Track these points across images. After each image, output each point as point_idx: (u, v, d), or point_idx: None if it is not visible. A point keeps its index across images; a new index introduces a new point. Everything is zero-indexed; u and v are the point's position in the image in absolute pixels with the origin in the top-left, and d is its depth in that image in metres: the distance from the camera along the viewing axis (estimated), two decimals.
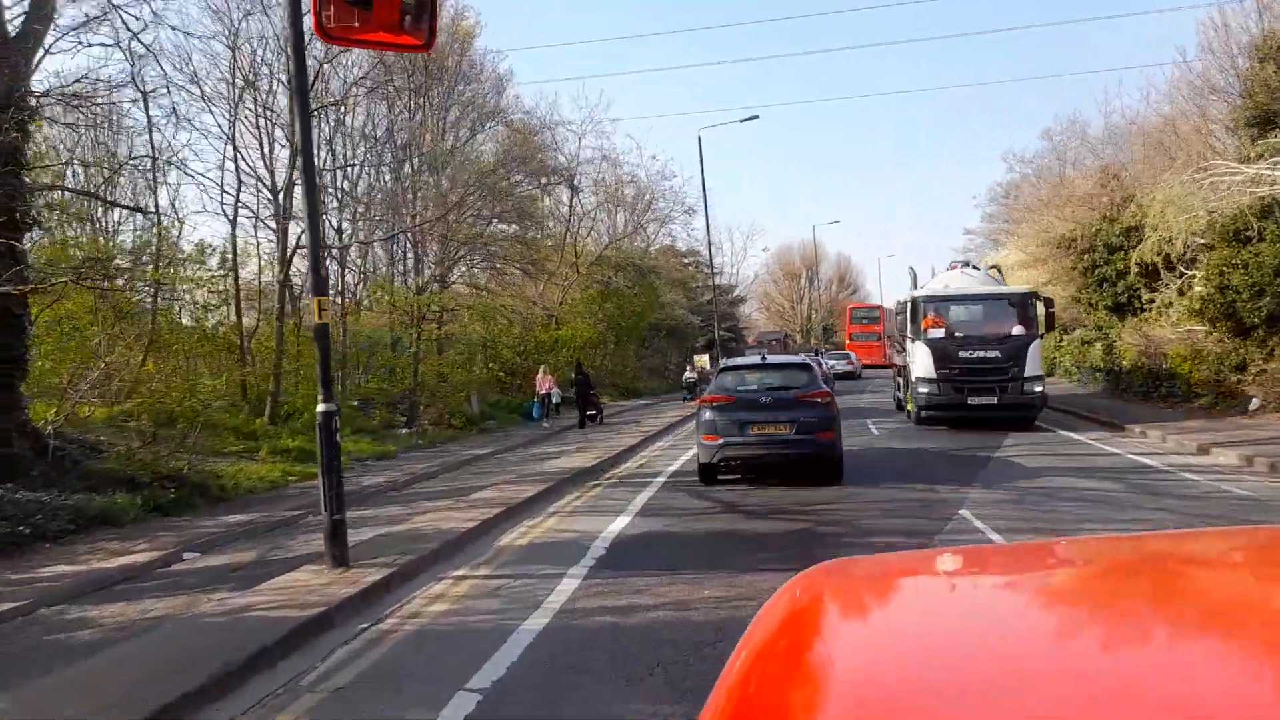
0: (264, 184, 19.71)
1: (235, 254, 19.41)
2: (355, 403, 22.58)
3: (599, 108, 62.77)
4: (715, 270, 69.17)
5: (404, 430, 21.28)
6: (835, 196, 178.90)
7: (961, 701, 1.01)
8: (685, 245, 63.32)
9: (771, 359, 14.25)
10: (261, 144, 20.07)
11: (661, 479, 12.89)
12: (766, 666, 1.26)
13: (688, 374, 32.41)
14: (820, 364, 29.37)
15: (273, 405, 18.94)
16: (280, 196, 19.01)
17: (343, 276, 22.30)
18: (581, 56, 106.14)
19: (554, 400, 29.58)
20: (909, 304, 19.49)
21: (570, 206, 35.17)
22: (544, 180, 28.37)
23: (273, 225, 19.73)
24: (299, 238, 18.45)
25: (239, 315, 19.89)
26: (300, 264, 24.03)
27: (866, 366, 49.74)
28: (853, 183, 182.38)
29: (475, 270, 27.27)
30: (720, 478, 11.94)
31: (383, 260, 26.53)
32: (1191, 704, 0.96)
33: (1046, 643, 1.25)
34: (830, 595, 1.53)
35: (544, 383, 27.15)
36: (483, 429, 23.82)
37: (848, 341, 57.48)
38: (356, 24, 2.64)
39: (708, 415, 11.71)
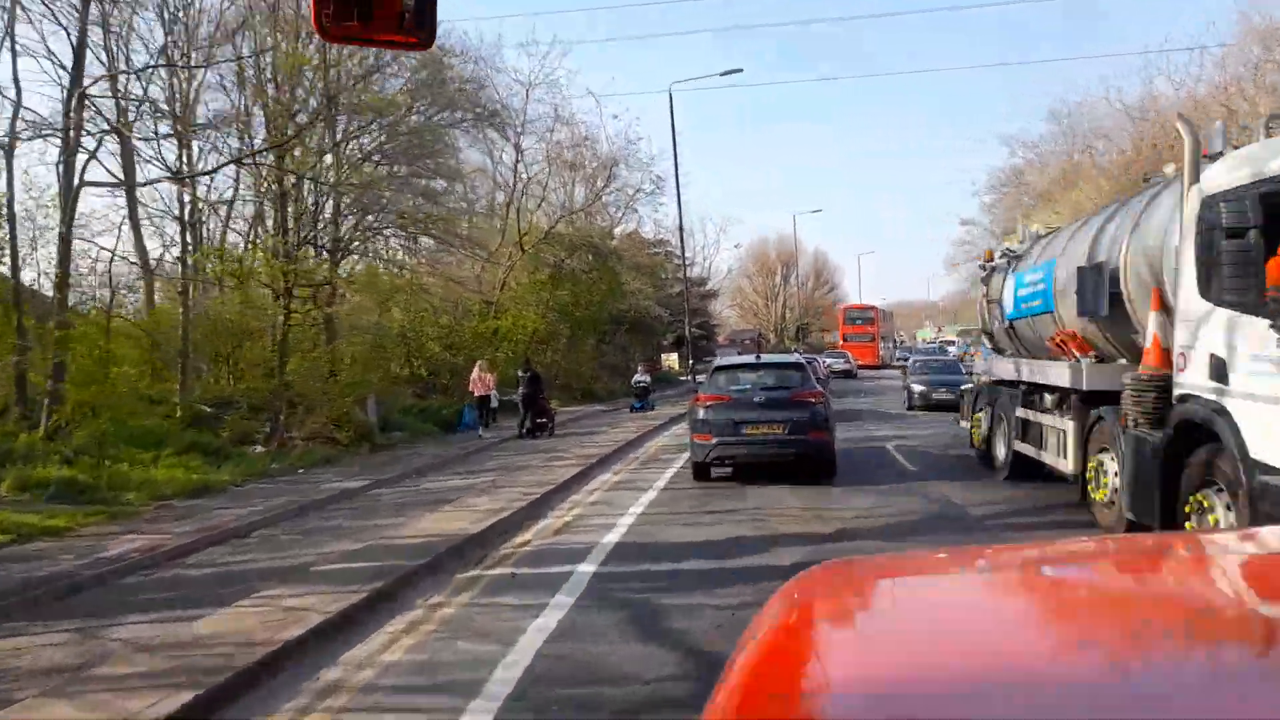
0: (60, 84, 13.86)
1: (11, 188, 13.51)
2: (207, 408, 16.82)
3: (554, 54, 48.94)
4: (686, 260, 63.88)
5: (259, 448, 15.54)
6: (816, 187, 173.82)
7: (959, 700, 1.01)
8: (653, 234, 58.00)
9: (765, 359, 13.49)
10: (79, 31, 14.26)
11: (587, 568, 7.31)
12: (767, 666, 1.25)
13: (638, 377, 26.43)
14: (817, 363, 24.31)
15: (49, 413, 13.14)
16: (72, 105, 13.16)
17: (184, 234, 16.40)
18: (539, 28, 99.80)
19: (493, 404, 24.09)
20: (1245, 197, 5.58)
21: (515, 172, 29.45)
22: (462, 115, 22.44)
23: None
24: (85, 165, 12.63)
25: (16, 282, 14.01)
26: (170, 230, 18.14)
27: (859, 367, 49.11)
28: (835, 173, 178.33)
29: (384, 237, 21.50)
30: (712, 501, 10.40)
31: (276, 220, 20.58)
32: (1190, 703, 0.96)
33: (1045, 642, 1.26)
34: (829, 595, 1.54)
35: (481, 383, 21.57)
36: (381, 445, 18.12)
37: (841, 342, 55.84)
38: (356, 23, 2.47)
39: (701, 414, 11.62)
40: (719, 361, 13.99)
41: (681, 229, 30.46)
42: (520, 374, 22.08)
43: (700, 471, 11.78)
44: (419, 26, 2.55)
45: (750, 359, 13.59)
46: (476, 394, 21.87)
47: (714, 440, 11.30)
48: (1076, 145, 46.01)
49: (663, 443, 18.32)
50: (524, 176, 29.36)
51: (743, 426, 11.21)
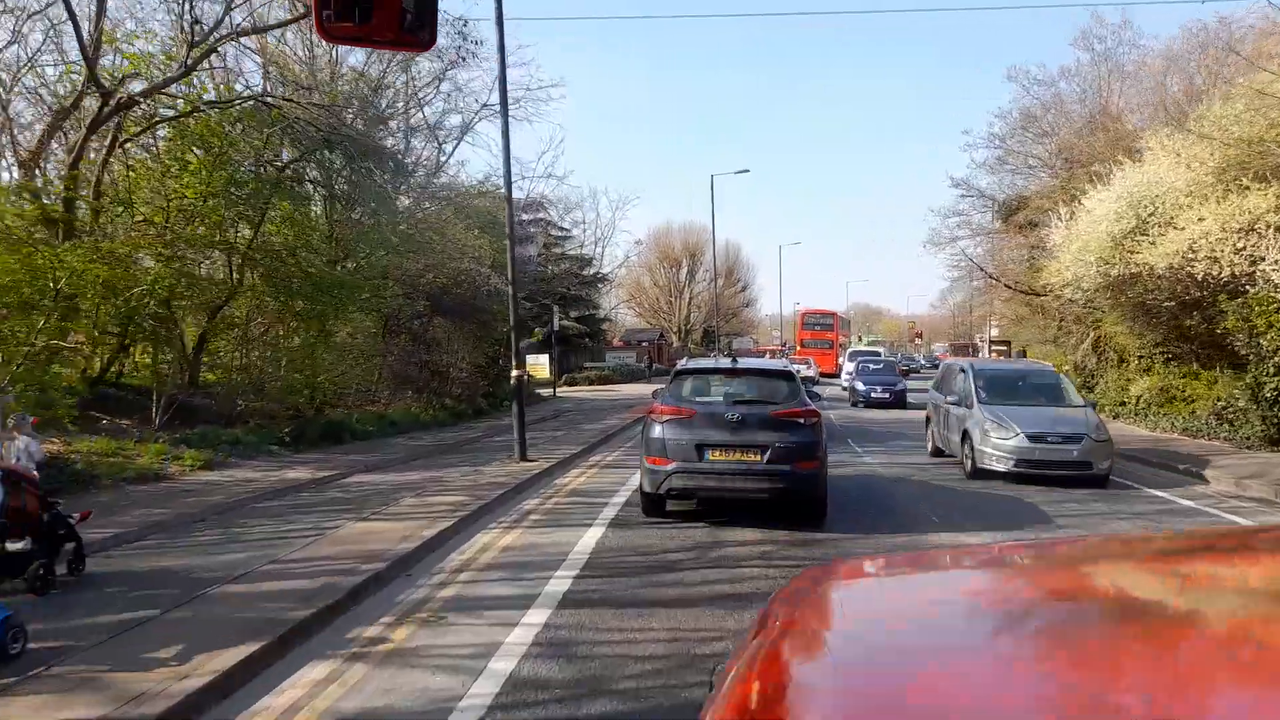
0: None
1: None
2: None
3: None
4: (561, 228, 47.78)
5: None
6: (742, 148, 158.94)
7: (956, 699, 1.01)
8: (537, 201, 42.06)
9: (744, 363, 10.14)
10: None
11: None
12: (765, 665, 1.25)
13: None
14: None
15: None
16: None
17: None
18: None
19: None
20: None
21: None
22: None
23: None
24: None
25: None
26: None
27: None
28: (752, 156, 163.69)
29: None
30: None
31: None
32: (1188, 703, 0.97)
33: (1043, 641, 1.26)
34: (832, 591, 1.55)
35: None
36: None
37: (799, 348, 52.13)
38: (357, 24, 2.50)
39: (657, 432, 9.02)
40: (684, 364, 10.52)
41: (505, 107, 13.96)
42: None
43: (652, 506, 9.24)
44: (419, 27, 2.54)
45: (725, 363, 10.07)
46: None
47: (671, 466, 8.80)
48: (1110, 76, 32.68)
49: None
50: None
51: (708, 450, 8.79)
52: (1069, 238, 18.84)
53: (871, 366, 30.68)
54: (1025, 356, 55.24)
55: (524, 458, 12.81)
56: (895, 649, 1.23)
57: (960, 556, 2.02)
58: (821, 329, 54.88)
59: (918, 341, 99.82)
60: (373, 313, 21.98)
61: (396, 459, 14.21)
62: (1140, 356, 22.25)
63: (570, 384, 41.32)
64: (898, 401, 27.27)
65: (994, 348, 47.76)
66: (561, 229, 45.94)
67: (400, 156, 18.66)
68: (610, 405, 27.56)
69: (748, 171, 41.14)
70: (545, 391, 32.54)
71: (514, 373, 12.96)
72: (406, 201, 21.11)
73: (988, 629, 1.32)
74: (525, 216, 44.91)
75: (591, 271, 49.29)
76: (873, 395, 27.67)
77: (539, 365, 41.68)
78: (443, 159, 28.48)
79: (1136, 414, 20.38)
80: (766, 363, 11.16)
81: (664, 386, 9.77)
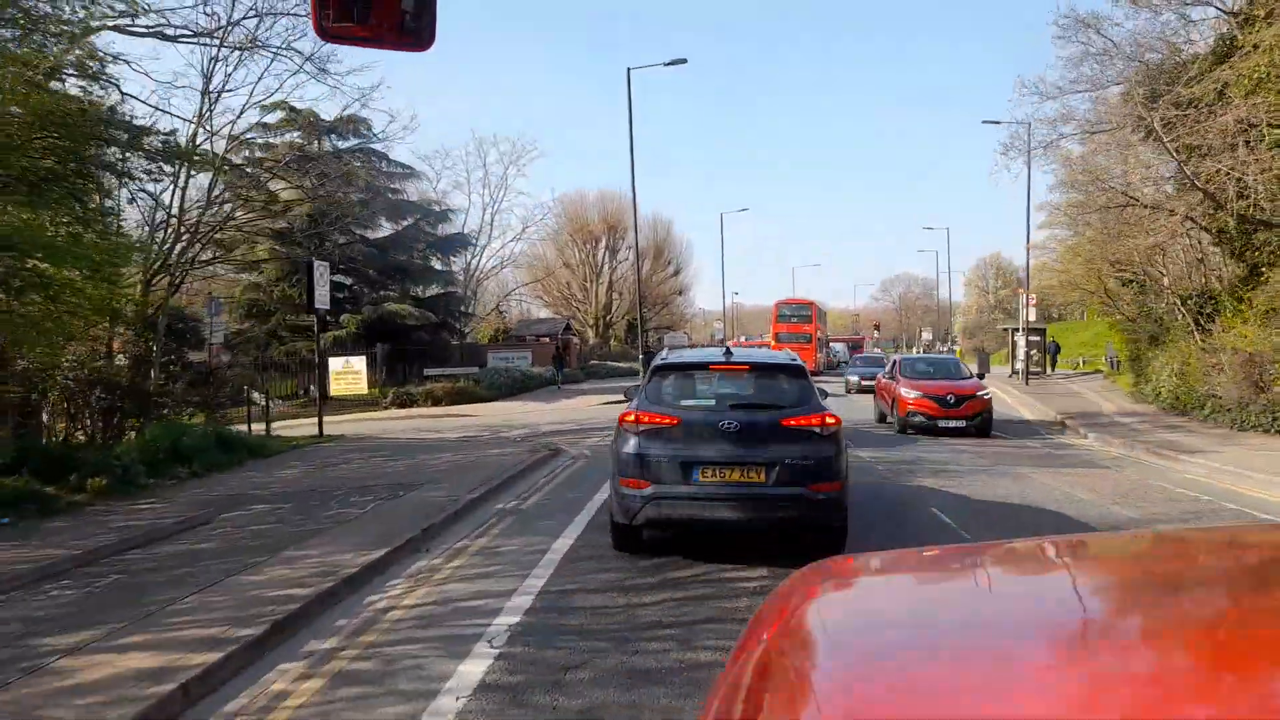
0: None
1: None
2: None
3: None
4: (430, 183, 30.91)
5: None
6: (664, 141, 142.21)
7: (954, 698, 1.00)
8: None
9: (741, 355, 8.34)
10: None
11: None
12: (763, 664, 1.23)
13: None
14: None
15: None
16: None
17: None
18: None
19: None
20: None
21: None
22: None
23: None
24: None
25: None
26: None
27: None
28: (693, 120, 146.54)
29: None
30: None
31: None
32: (1187, 701, 0.96)
33: (1041, 639, 1.24)
34: (825, 593, 1.53)
35: None
36: None
37: (774, 342, 46.40)
38: (355, 24, 2.50)
39: (632, 445, 7.19)
40: (664, 358, 8.31)
41: None
42: None
43: (625, 538, 7.42)
44: (418, 28, 2.52)
45: (713, 356, 8.31)
46: None
47: (649, 490, 7.04)
48: None
49: None
50: None
51: (697, 469, 7.03)
52: None
53: None
54: (1059, 350, 41.60)
55: None
56: (889, 653, 1.19)
57: (956, 555, 1.95)
58: (799, 321, 49.54)
59: (875, 334, 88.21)
60: None
61: None
62: None
63: (404, 404, 25.61)
64: None
65: (1023, 334, 33.67)
66: (399, 165, 30.00)
67: None
68: (384, 477, 12.16)
69: (684, 62, 26.06)
70: (293, 429, 16.74)
71: None
72: None
73: (984, 632, 1.26)
74: (343, 144, 29.05)
75: (448, 230, 33.42)
76: None
77: (357, 370, 25.98)
78: None
79: None
80: (768, 355, 9.09)
81: (639, 385, 8.17)
